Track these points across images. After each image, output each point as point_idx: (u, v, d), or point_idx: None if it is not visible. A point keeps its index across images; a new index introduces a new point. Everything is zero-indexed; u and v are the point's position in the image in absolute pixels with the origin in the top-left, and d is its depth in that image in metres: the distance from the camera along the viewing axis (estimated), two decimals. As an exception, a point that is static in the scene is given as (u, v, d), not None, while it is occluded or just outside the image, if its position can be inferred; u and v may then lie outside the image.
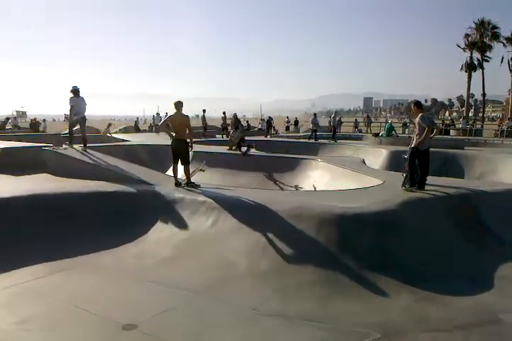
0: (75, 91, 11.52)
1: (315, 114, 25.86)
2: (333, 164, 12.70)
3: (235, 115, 19.01)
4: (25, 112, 70.08)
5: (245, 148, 15.29)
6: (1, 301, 4.86)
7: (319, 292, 5.23)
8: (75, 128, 11.65)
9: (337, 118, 25.77)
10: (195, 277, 5.60)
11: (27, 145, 12.45)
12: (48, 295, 5.04)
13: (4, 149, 11.44)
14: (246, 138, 17.45)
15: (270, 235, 6.21)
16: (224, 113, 26.21)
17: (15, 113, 57.37)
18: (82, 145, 11.59)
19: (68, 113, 11.57)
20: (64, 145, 11.56)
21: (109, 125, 25.55)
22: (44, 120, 30.36)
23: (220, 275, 5.65)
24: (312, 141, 22.58)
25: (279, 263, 5.76)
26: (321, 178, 12.74)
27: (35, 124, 28.52)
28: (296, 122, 38.57)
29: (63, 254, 6.27)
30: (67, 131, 26.64)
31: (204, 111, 25.85)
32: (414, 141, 8.22)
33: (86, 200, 7.85)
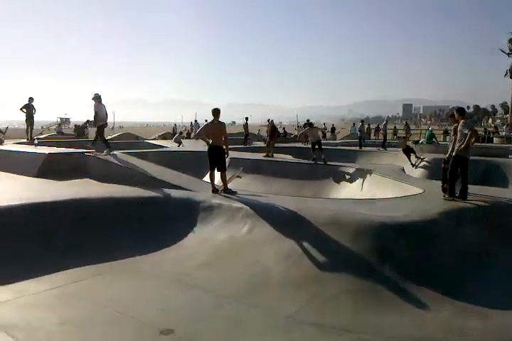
0: (98, 98, 12.02)
1: (362, 121, 25.57)
2: (372, 172, 12.53)
3: (271, 122, 19.00)
4: (68, 119, 72.57)
5: (321, 155, 14.89)
6: (42, 303, 5.00)
7: (356, 302, 5.14)
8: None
9: (381, 125, 25.29)
10: (231, 283, 5.61)
11: (70, 151, 12.88)
12: (86, 298, 5.17)
13: (50, 155, 11.85)
14: (283, 145, 17.47)
15: (306, 243, 6.16)
16: (269, 120, 25.94)
17: (59, 119, 59.48)
18: (107, 149, 12.00)
19: (92, 119, 12.24)
20: (105, 151, 11.91)
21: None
22: (86, 127, 31.32)
23: (256, 282, 5.64)
24: (357, 148, 22.18)
25: (315, 272, 5.69)
26: (358, 186, 12.59)
27: (78, 130, 29.47)
28: (333, 129, 38.33)
29: (102, 258, 6.41)
30: (108, 137, 27.50)
31: (247, 118, 25.72)
32: (455, 149, 8.00)
33: (125, 205, 8.02)
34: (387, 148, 21.50)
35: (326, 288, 5.39)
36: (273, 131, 18.09)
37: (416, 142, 21.75)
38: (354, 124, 42.14)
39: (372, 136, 36.25)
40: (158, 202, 8.21)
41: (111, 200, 8.16)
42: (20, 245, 6.44)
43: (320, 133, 16.04)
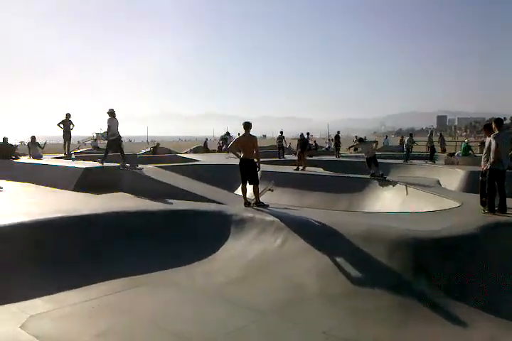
0: (112, 113, 12.60)
1: (411, 134, 24.16)
2: (407, 185, 12.29)
3: (301, 135, 18.99)
4: (103, 134, 74.42)
5: (378, 171, 14.54)
6: (80, 314, 5.09)
7: (393, 318, 5.00)
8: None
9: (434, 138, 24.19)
10: (265, 297, 5.57)
11: (106, 165, 13.20)
12: (123, 310, 5.23)
13: (86, 169, 12.19)
14: (314, 158, 17.35)
15: (340, 258, 6.06)
16: (308, 133, 25.71)
17: (94, 135, 61.05)
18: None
19: (103, 132, 12.72)
20: (139, 166, 12.17)
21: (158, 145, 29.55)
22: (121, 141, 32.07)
23: (290, 296, 5.57)
24: (392, 161, 21.74)
25: (351, 287, 5.59)
26: (393, 200, 12.36)
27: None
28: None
29: (138, 270, 6.49)
30: (144, 151, 28.05)
31: (281, 132, 25.69)
32: (489, 161, 7.75)
33: (158, 218, 8.15)
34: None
35: (362, 303, 5.28)
36: (304, 144, 18.08)
37: (452, 154, 21.25)
38: (387, 137, 41.61)
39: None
40: (191, 215, 8.28)
41: (145, 213, 8.31)
42: (60, 256, 6.61)
43: (374, 146, 15.74)
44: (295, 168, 17.19)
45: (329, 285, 5.72)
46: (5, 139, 17.59)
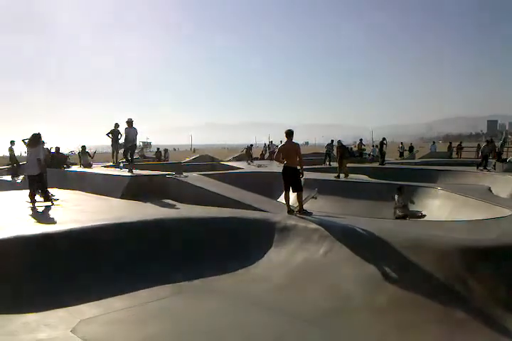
0: (130, 122, 13.79)
1: (487, 141, 21.19)
2: (456, 193, 11.86)
3: (339, 142, 18.72)
4: (150, 143, 76.49)
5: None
6: (128, 319, 5.21)
7: (442, 330, 4.81)
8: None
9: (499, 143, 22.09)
10: (309, 306, 5.50)
11: (153, 173, 13.52)
12: (168, 315, 5.31)
13: (133, 177, 12.52)
14: (358, 165, 17.05)
15: (387, 267, 5.90)
16: (361, 140, 25.20)
17: (141, 144, 62.68)
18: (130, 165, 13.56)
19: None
20: (184, 174, 12.39)
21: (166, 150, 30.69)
22: (166, 150, 32.81)
23: (335, 306, 5.47)
24: (439, 167, 20.91)
25: (397, 298, 5.41)
26: (441, 208, 11.96)
27: (157, 154, 30.96)
28: (411, 148, 36.97)
29: (182, 277, 6.59)
30: (187, 160, 28.62)
31: (332, 141, 25.39)
32: None
33: (202, 225, 8.22)
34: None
35: (410, 314, 5.11)
36: (343, 151, 17.83)
37: (504, 160, 20.35)
38: (434, 143, 40.38)
39: (454, 155, 34.48)
40: (234, 222, 8.31)
41: (190, 221, 8.41)
42: (107, 262, 6.79)
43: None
44: (335, 175, 16.94)
45: (375, 295, 5.58)
46: (57, 149, 18.38)
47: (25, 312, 5.26)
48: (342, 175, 16.76)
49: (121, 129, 18.25)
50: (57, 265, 6.41)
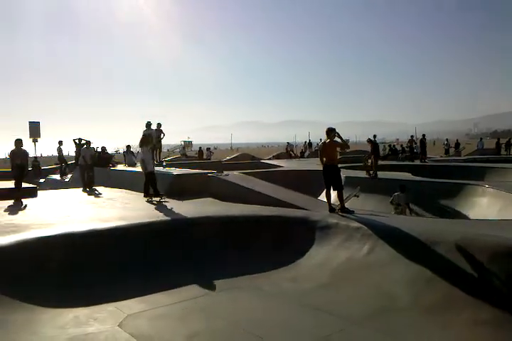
0: (148, 125, 16.37)
1: None
2: (505, 191, 11.39)
3: (368, 140, 18.26)
4: (191, 142, 77.61)
5: None
6: (173, 314, 5.31)
7: (494, 333, 4.63)
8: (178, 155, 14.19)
9: None
10: (352, 306, 5.43)
11: (195, 172, 13.73)
12: (213, 312, 5.37)
13: (176, 176, 12.76)
14: (400, 162, 16.65)
15: (434, 267, 5.73)
16: (412, 136, 24.28)
17: (183, 143, 63.69)
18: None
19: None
20: (225, 172, 12.51)
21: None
22: (208, 148, 33.22)
23: (379, 306, 5.38)
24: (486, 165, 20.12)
25: (446, 298, 5.25)
26: (490, 206, 11.52)
27: (199, 153, 31.41)
28: (457, 145, 35.80)
29: (224, 274, 6.65)
30: (229, 158, 29.04)
31: (374, 136, 24.89)
32: None
33: (244, 223, 8.28)
34: None
35: (457, 315, 4.94)
36: (375, 148, 17.38)
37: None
38: (481, 139, 38.93)
39: (502, 152, 33.12)
40: (275, 220, 8.32)
41: (231, 219, 8.49)
42: (153, 259, 6.97)
43: None
44: (367, 173, 16.54)
45: (421, 295, 5.44)
46: (103, 148, 18.98)
47: (75, 307, 5.45)
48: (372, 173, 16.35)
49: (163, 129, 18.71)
50: (104, 261, 6.62)
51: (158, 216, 8.54)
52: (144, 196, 11.41)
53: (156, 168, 15.71)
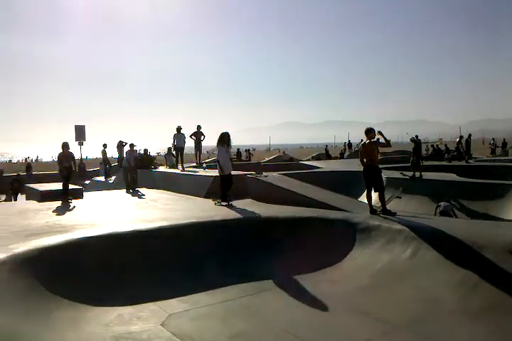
0: (178, 129, 17.19)
1: None
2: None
3: (412, 139, 17.78)
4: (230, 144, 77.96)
5: None
6: (214, 314, 5.37)
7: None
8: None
9: None
10: (395, 309, 5.31)
11: (234, 173, 13.80)
12: (255, 313, 5.41)
13: (216, 177, 12.88)
14: (444, 163, 16.18)
15: (480, 271, 5.52)
16: (461, 137, 23.38)
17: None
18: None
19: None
20: (264, 173, 12.53)
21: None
22: (247, 150, 33.38)
23: (422, 310, 5.24)
24: None
25: (493, 303, 5.05)
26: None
27: (238, 154, 31.60)
28: (504, 144, 34.42)
29: (264, 275, 6.66)
30: (268, 159, 29.16)
31: (416, 136, 24.28)
32: None
33: (283, 225, 8.26)
34: None
35: (505, 321, 4.75)
36: (417, 148, 16.91)
37: None
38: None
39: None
40: (315, 222, 8.26)
41: (271, 220, 8.50)
42: (196, 259, 7.06)
43: None
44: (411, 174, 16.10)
45: (467, 300, 5.25)
46: (145, 151, 19.44)
47: (118, 305, 5.60)
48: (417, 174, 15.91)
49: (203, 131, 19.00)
50: (147, 260, 6.77)
51: (200, 217, 8.65)
52: (213, 199, 10.85)
53: (197, 170, 15.97)
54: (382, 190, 8.52)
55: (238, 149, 33.52)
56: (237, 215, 8.78)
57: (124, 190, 14.94)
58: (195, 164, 19.67)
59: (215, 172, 13.84)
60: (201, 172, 14.93)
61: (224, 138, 10.68)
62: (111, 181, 20.34)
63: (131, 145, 16.47)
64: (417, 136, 17.91)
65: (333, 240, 7.61)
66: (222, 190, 10.73)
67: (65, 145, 12.11)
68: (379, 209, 8.49)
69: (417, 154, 16.55)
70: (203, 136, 19.14)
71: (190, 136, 18.88)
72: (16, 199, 21.46)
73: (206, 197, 12.10)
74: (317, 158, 35.54)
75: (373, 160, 8.56)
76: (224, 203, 10.59)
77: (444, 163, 22.85)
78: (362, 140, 9.95)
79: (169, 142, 18.46)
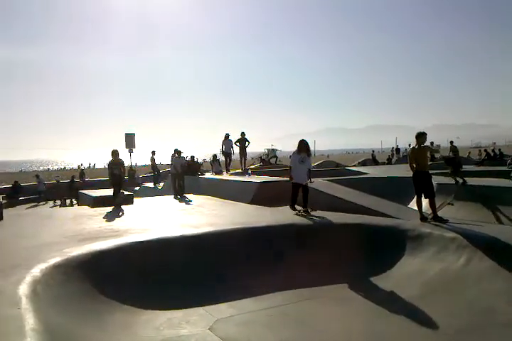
0: (226, 136, 18.72)
1: None
2: None
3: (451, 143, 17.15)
4: (275, 150, 78.04)
5: None
6: (261, 321, 5.37)
7: None
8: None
9: None
10: (447, 319, 5.11)
11: (280, 179, 13.82)
12: (299, 320, 5.36)
13: (261, 183, 12.97)
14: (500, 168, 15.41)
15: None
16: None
17: (266, 151, 64.38)
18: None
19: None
20: (309, 179, 12.44)
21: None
22: (291, 156, 33.29)
23: (476, 320, 5.02)
24: None
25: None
26: None
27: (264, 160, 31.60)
28: None
29: (312, 282, 6.60)
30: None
31: (452, 142, 23.36)
32: None
33: (330, 231, 8.13)
34: None
35: None
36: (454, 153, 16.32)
37: None
38: None
39: None
40: (364, 229, 8.11)
41: (318, 226, 8.43)
42: (241, 264, 7.06)
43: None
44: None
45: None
46: (192, 157, 19.81)
47: (168, 309, 5.71)
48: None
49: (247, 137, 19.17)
50: (195, 265, 6.87)
51: (245, 222, 8.69)
52: (292, 209, 10.07)
53: (242, 176, 16.10)
54: (432, 196, 8.28)
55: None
56: (284, 221, 8.73)
57: (172, 196, 15.26)
58: (240, 170, 19.85)
59: (259, 179, 13.92)
60: (246, 178, 15.03)
61: (300, 147, 10.07)
62: (159, 187, 20.84)
63: (178, 152, 16.83)
64: (451, 142, 17.42)
65: (382, 248, 7.44)
66: (303, 198, 9.93)
67: (115, 153, 12.54)
68: (430, 216, 8.24)
69: (454, 161, 16.00)
70: (247, 142, 19.32)
71: (235, 143, 19.10)
72: (72, 204, 22.37)
73: (251, 202, 12.15)
74: (363, 163, 34.99)
75: (423, 166, 8.34)
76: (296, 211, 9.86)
77: (501, 167, 21.84)
78: (410, 144, 9.70)
79: (213, 148, 19.02)
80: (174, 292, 6.14)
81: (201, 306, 5.80)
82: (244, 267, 7.02)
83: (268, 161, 33.82)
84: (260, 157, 32.47)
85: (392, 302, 5.84)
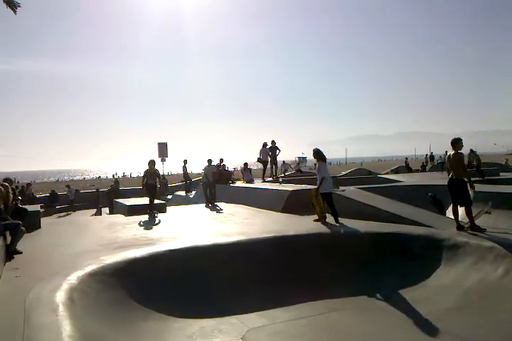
0: (264, 144, 18.93)
1: None
2: None
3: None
4: (305, 158, 77.72)
5: None
6: (293, 331, 5.35)
7: None
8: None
9: None
10: (485, 332, 4.97)
11: (310, 187, 13.73)
12: (332, 331, 5.29)
13: (292, 191, 12.91)
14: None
15: None
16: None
17: (297, 159, 64.13)
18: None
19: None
20: (341, 187, 12.33)
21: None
22: (315, 164, 33.04)
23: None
24: None
25: None
26: None
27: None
28: None
29: (345, 293, 6.51)
30: (344, 173, 28.72)
31: (471, 150, 22.69)
32: None
33: (364, 241, 8.01)
34: None
35: None
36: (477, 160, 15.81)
37: None
38: None
39: None
40: (398, 238, 7.95)
41: (346, 235, 8.33)
42: (274, 274, 7.05)
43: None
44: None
45: None
46: (223, 166, 19.96)
47: (201, 317, 5.74)
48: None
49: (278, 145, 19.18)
50: (227, 274, 6.88)
51: (277, 231, 8.66)
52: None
53: (274, 185, 16.09)
54: (469, 205, 8.04)
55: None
56: (315, 230, 8.67)
57: (204, 205, 15.39)
58: (271, 178, 19.85)
59: (291, 187, 13.87)
60: (277, 186, 15.01)
61: (316, 155, 10.06)
62: (191, 196, 21.06)
63: (209, 161, 16.98)
64: (471, 150, 16.89)
65: (418, 258, 7.29)
66: (330, 207, 9.72)
67: (151, 163, 12.81)
68: (466, 225, 8.02)
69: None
70: (278, 151, 19.34)
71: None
72: (111, 212, 22.50)
73: (283, 211, 12.12)
74: (396, 171, 34.35)
75: (458, 173, 8.12)
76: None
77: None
78: (446, 151, 9.49)
79: (244, 157, 19.16)
80: (207, 300, 6.18)
81: (233, 315, 5.81)
82: (276, 276, 7.00)
83: (299, 169, 33.67)
84: (290, 165, 32.43)
85: (427, 313, 5.68)
